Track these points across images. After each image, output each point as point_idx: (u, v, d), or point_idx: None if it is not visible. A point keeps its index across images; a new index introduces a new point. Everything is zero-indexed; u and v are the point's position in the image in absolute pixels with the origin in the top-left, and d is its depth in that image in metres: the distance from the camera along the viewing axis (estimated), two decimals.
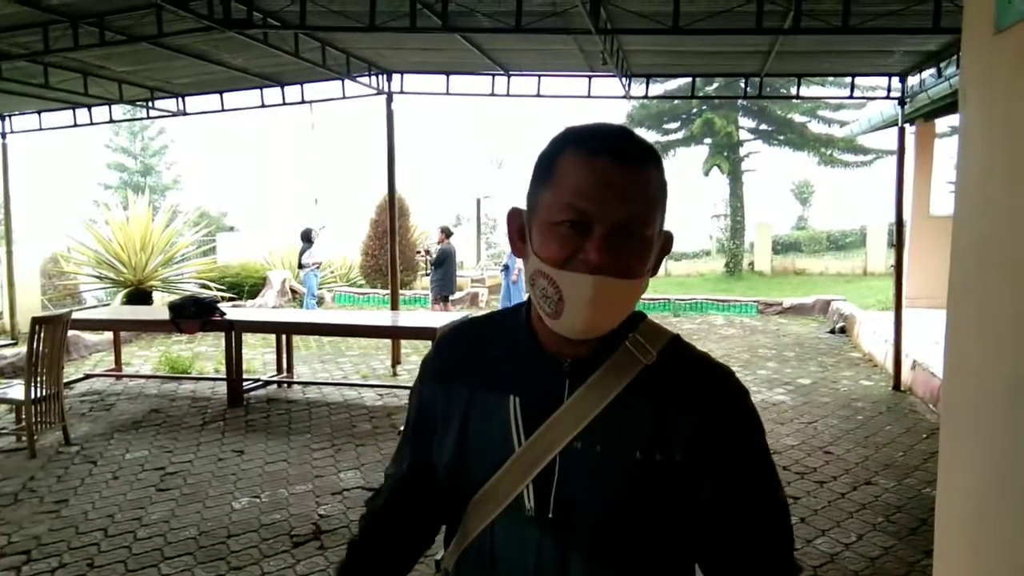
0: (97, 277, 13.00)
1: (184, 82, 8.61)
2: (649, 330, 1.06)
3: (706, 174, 22.01)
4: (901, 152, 7.75)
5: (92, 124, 9.98)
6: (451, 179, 26.71)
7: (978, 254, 1.87)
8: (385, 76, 8.52)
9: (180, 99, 9.32)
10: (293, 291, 14.32)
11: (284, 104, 9.03)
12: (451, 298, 12.24)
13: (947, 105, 7.80)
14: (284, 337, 8.00)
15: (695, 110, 21.41)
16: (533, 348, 1.06)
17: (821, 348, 9.79)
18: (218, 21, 5.54)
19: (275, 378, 7.81)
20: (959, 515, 1.95)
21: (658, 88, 16.79)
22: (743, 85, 8.98)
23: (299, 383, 7.84)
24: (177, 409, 6.86)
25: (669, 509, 1.00)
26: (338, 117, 21.19)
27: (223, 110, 9.35)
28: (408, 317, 8.43)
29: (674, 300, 13.68)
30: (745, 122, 21.82)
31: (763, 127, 21.93)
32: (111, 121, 10.32)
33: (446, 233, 12.08)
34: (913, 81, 7.64)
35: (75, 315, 6.57)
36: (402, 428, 1.23)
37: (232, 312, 7.79)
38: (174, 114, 9.71)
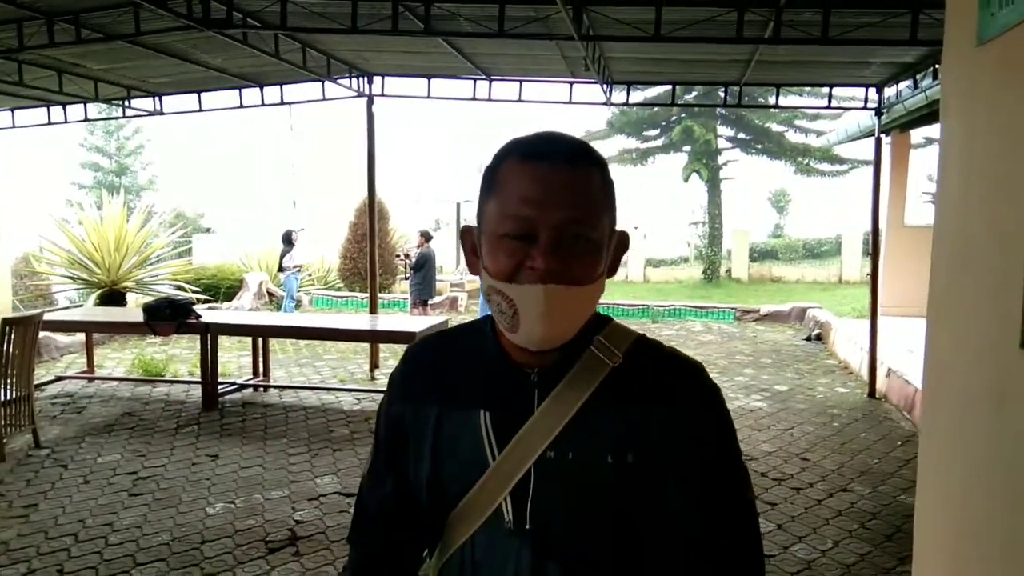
0: (70, 278, 12.78)
1: (161, 81, 8.51)
2: (614, 332, 1.06)
3: (685, 180, 22.18)
4: (878, 162, 7.86)
5: (67, 122, 9.82)
6: (431, 183, 26.67)
7: (959, 262, 1.89)
8: (366, 78, 8.48)
9: (157, 98, 9.21)
10: (270, 294, 14.20)
11: (263, 105, 8.96)
12: (430, 302, 12.20)
13: (923, 116, 7.91)
14: (261, 340, 7.92)
15: (674, 118, 21.55)
16: (499, 360, 1.05)
17: (797, 355, 9.87)
18: (197, 20, 5.48)
19: (251, 382, 7.73)
20: (938, 521, 1.96)
21: (638, 96, 16.87)
22: (722, 94, 9.05)
23: (276, 387, 7.76)
24: (150, 412, 6.76)
25: (643, 511, 1.00)
26: (318, 119, 21.05)
27: (201, 110, 9.25)
28: (387, 321, 8.38)
29: (652, 306, 13.74)
30: (724, 130, 22.03)
31: (741, 136, 22.15)
32: (86, 120, 10.18)
33: (426, 237, 12.03)
34: (890, 92, 7.74)
35: (47, 316, 6.46)
36: (371, 451, 1.17)
37: (208, 314, 7.70)
38: (151, 113, 9.59)
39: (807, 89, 14.75)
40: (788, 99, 17.43)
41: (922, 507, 2.06)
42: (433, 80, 8.45)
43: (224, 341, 8.67)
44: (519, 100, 8.44)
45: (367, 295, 10.17)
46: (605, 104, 9.04)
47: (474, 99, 8.45)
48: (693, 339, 11.23)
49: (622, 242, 1.04)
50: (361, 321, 8.48)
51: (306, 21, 6.06)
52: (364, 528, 1.16)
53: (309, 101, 8.95)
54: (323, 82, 8.38)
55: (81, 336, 8.78)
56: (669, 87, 9.77)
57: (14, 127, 9.89)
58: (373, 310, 9.06)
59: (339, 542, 4.10)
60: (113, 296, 11.91)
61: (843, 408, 7.09)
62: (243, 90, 8.79)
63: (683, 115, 21.25)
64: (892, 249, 10.56)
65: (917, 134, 11.77)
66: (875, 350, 7.54)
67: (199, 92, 8.97)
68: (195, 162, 32.75)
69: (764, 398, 7.51)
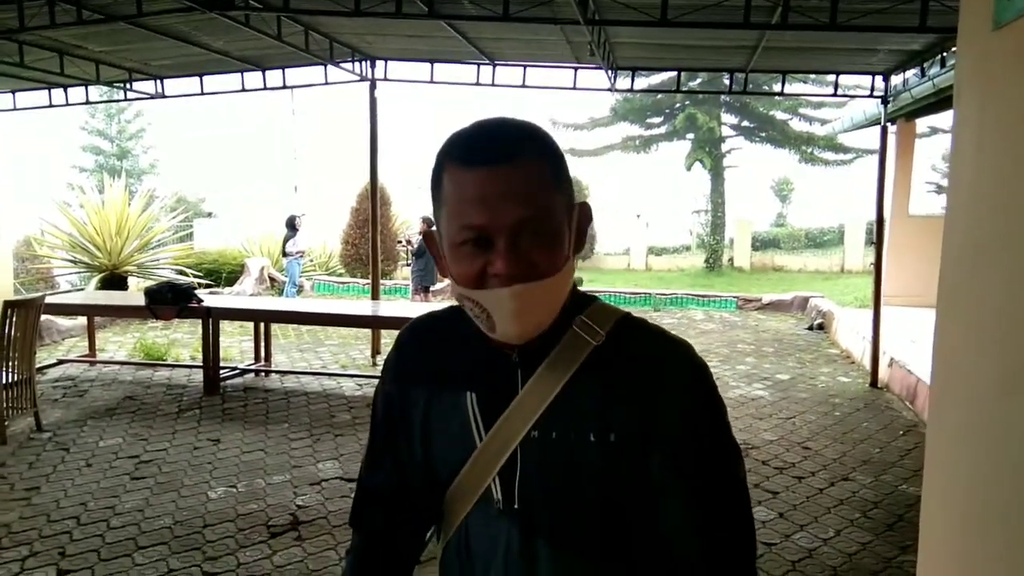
0: (71, 261, 12.79)
1: (163, 64, 8.45)
2: (597, 311, 1.05)
3: (688, 169, 22.09)
4: (883, 151, 7.80)
5: (68, 105, 9.74)
6: None
7: (971, 251, 1.86)
8: (369, 62, 8.42)
9: (159, 81, 9.15)
10: (272, 279, 14.19)
11: (265, 89, 8.89)
12: (431, 289, 12.20)
13: (929, 105, 7.85)
14: (262, 325, 7.91)
15: (678, 105, 21.45)
16: (483, 343, 1.04)
17: (799, 344, 9.85)
18: (199, 2, 5.43)
19: (253, 366, 7.73)
20: (946, 514, 1.94)
21: (642, 82, 16.80)
22: (727, 81, 8.99)
23: (277, 372, 7.76)
24: (152, 396, 6.76)
25: (628, 490, 1.00)
26: (320, 104, 20.94)
27: (203, 93, 9.17)
28: (388, 307, 8.36)
29: (654, 295, 13.72)
30: (727, 118, 21.92)
31: (745, 123, 22.04)
32: (87, 102, 10.11)
33: (428, 223, 11.99)
34: (896, 80, 7.67)
35: (48, 299, 6.45)
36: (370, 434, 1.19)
37: (209, 299, 7.69)
38: (152, 96, 9.53)
39: (812, 77, 14.67)
40: (793, 86, 17.34)
41: (928, 498, 2.04)
42: (436, 64, 8.39)
43: (226, 326, 8.66)
44: (523, 86, 8.37)
45: (368, 281, 10.15)
46: (609, 90, 8.98)
47: (478, 84, 8.39)
48: (695, 327, 11.21)
49: (584, 214, 1.02)
50: (363, 307, 8.46)
51: (309, 3, 6.01)
52: (365, 510, 1.18)
53: (311, 85, 8.88)
54: (325, 66, 8.32)
55: (83, 320, 8.78)
56: (673, 74, 9.69)
57: (15, 109, 9.83)
58: (375, 296, 9.06)
59: (341, 527, 4.10)
60: (114, 280, 11.92)
61: (845, 397, 7.08)
62: (245, 74, 8.72)
63: (687, 102, 21.15)
64: (896, 238, 10.50)
65: (922, 123, 11.70)
66: (878, 340, 7.51)
67: (201, 75, 8.90)
68: (196, 146, 32.68)
69: (766, 387, 7.50)
